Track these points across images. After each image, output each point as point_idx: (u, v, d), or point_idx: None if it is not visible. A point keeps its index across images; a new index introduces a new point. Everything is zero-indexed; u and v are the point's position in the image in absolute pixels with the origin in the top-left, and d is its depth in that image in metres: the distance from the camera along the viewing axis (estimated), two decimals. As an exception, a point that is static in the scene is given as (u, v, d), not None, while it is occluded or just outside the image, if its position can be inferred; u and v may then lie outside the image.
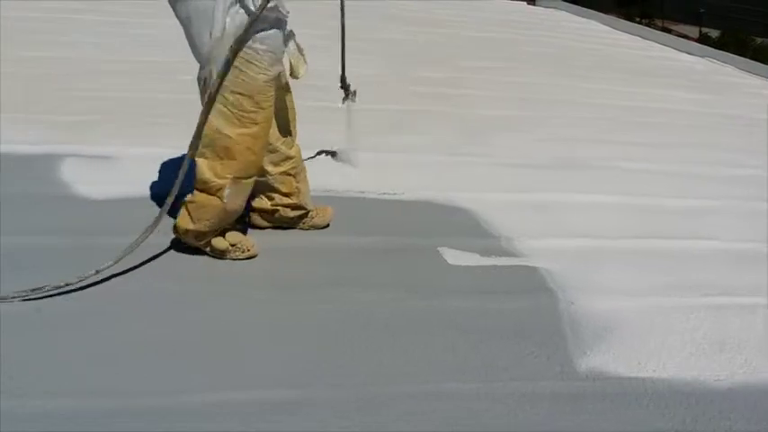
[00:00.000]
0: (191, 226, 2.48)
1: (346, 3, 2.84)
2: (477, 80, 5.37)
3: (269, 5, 2.30)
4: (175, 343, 2.12)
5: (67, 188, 2.96)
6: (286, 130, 2.68)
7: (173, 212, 2.66)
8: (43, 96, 3.93)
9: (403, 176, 3.39)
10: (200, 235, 2.51)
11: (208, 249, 2.55)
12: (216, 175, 2.44)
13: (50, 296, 2.23)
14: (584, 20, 9.17)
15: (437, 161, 3.67)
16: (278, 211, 2.75)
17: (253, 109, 2.43)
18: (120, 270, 2.40)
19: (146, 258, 2.50)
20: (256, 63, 2.39)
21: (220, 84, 2.36)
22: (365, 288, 2.49)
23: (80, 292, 2.28)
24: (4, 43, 4.76)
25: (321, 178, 3.06)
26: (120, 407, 1.85)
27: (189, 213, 2.47)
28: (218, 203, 2.47)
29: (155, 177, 3.02)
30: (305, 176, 2.79)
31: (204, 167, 2.45)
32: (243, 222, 2.72)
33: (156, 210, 2.52)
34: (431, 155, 3.74)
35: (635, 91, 5.61)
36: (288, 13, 2.43)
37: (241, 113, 2.41)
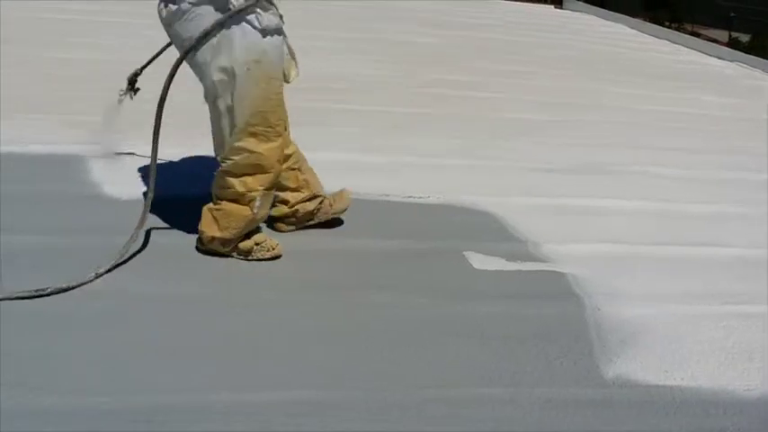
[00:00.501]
0: (218, 234, 2.48)
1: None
2: (504, 83, 5.35)
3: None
4: (186, 344, 2.10)
5: (81, 188, 2.97)
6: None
7: (168, 215, 2.66)
8: (67, 98, 3.97)
9: (427, 179, 3.38)
10: (226, 242, 2.51)
11: (234, 254, 2.55)
12: (248, 189, 2.46)
13: (55, 297, 2.21)
14: (611, 23, 9.12)
15: (462, 164, 3.66)
16: (297, 210, 2.76)
17: (277, 122, 2.46)
18: (140, 272, 2.41)
19: (168, 260, 2.51)
20: (276, 77, 2.42)
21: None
22: (390, 291, 2.48)
23: (95, 293, 2.27)
24: (30, 45, 4.82)
25: (343, 180, 3.05)
26: (120, 407, 1.83)
27: (216, 221, 2.48)
28: (249, 213, 2.48)
29: (166, 178, 3.00)
30: (308, 167, 2.80)
31: (234, 182, 2.46)
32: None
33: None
34: (456, 158, 3.73)
35: (663, 95, 5.56)
36: (282, 17, 2.44)
37: (267, 129, 2.44)
